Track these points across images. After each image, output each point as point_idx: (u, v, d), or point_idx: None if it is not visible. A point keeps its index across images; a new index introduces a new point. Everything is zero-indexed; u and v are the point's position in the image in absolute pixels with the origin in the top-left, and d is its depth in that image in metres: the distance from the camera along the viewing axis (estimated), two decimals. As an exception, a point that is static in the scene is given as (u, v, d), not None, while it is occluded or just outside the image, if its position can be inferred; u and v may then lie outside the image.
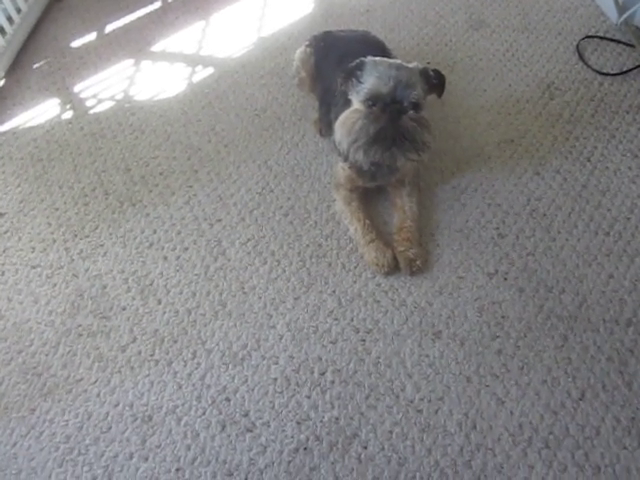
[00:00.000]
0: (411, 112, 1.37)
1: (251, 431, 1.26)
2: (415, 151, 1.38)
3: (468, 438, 1.23)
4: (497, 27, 2.13)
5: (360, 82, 1.41)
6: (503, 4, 2.22)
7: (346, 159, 1.49)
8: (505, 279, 1.47)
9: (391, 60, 1.43)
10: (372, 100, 1.38)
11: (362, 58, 1.44)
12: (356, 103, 1.42)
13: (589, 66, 1.96)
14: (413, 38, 2.11)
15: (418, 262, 1.48)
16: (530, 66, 1.99)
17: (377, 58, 1.43)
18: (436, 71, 1.45)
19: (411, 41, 2.09)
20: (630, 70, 1.92)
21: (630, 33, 2.00)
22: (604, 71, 1.94)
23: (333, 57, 1.68)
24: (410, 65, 1.41)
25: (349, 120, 1.40)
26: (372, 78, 1.38)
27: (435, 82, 1.44)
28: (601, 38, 2.05)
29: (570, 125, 1.80)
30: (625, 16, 2.00)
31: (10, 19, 2.12)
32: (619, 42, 2.02)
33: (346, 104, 1.46)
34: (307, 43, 1.80)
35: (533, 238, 1.54)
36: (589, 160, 1.71)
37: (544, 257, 1.50)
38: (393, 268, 1.49)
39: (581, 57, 1.99)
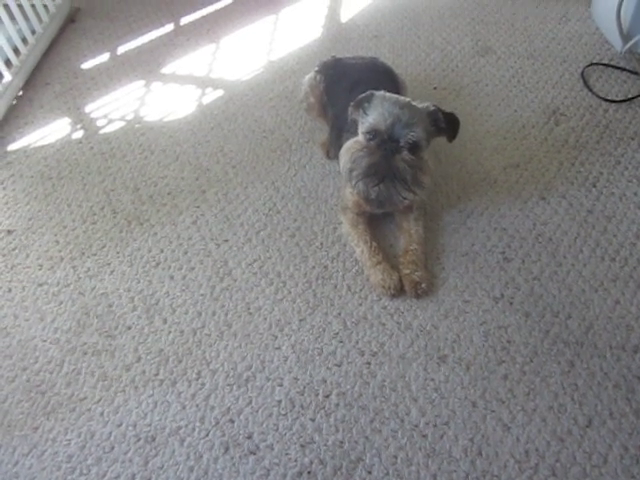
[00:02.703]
0: (405, 152, 1.38)
1: (254, 454, 1.25)
2: (406, 190, 1.41)
3: (474, 464, 1.21)
4: (503, 54, 2.16)
5: (366, 114, 1.43)
6: (509, 31, 2.26)
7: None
8: (511, 303, 1.46)
9: (401, 98, 1.44)
10: (371, 134, 1.41)
11: (373, 91, 1.46)
12: (360, 134, 1.45)
13: (594, 93, 1.98)
14: (420, 63, 2.14)
15: (423, 285, 1.48)
16: (536, 92, 2.01)
17: (387, 94, 1.45)
18: (449, 115, 1.46)
19: (418, 66, 2.12)
20: (635, 97, 1.94)
21: (634, 61, 2.03)
22: (609, 98, 1.96)
23: (344, 84, 1.71)
24: (420, 105, 1.43)
25: (350, 150, 1.44)
26: (375, 113, 1.40)
27: (443, 126, 1.45)
28: (606, 65, 2.07)
29: (576, 151, 1.81)
30: (629, 44, 2.03)
31: (25, 40, 2.16)
32: (623, 70, 2.04)
33: (357, 131, 1.49)
34: (316, 69, 1.83)
35: (539, 263, 1.54)
36: (595, 186, 1.72)
37: (550, 282, 1.50)
38: (399, 290, 1.49)
39: (586, 84, 2.01)
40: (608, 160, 1.78)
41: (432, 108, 1.43)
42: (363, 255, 1.55)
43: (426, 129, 1.41)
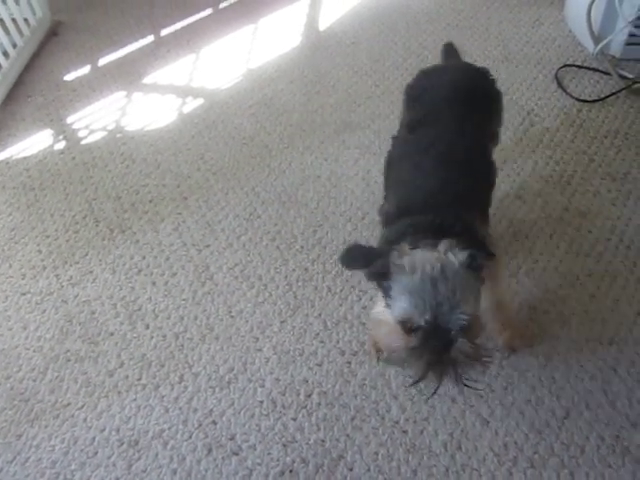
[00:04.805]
0: (461, 341, 0.98)
1: (237, 454, 1.26)
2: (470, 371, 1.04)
3: (453, 459, 1.23)
4: (478, 57, 2.20)
5: (389, 295, 1.03)
6: (484, 35, 2.30)
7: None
8: (489, 300, 1.49)
9: (431, 259, 1.00)
10: (408, 324, 1.01)
11: (388, 259, 1.02)
12: (390, 316, 1.04)
13: (568, 93, 2.02)
14: (398, 68, 2.17)
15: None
16: (511, 94, 2.05)
17: (407, 262, 1.00)
18: (481, 245, 1.09)
19: (395, 71, 2.16)
20: (607, 97, 1.98)
21: (606, 62, 2.07)
22: (582, 98, 2.00)
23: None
24: (450, 260, 1.00)
25: (386, 335, 1.08)
26: (404, 298, 1.00)
27: (481, 263, 1.03)
28: (579, 67, 2.12)
29: (550, 150, 1.85)
30: (600, 46, 2.07)
31: (6, 54, 2.18)
32: (596, 70, 2.09)
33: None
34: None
35: (516, 260, 1.57)
36: (569, 183, 1.75)
37: (527, 278, 1.53)
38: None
39: (560, 85, 2.06)
40: (582, 158, 1.82)
41: (463, 256, 1.00)
42: None
43: (472, 287, 1.02)
